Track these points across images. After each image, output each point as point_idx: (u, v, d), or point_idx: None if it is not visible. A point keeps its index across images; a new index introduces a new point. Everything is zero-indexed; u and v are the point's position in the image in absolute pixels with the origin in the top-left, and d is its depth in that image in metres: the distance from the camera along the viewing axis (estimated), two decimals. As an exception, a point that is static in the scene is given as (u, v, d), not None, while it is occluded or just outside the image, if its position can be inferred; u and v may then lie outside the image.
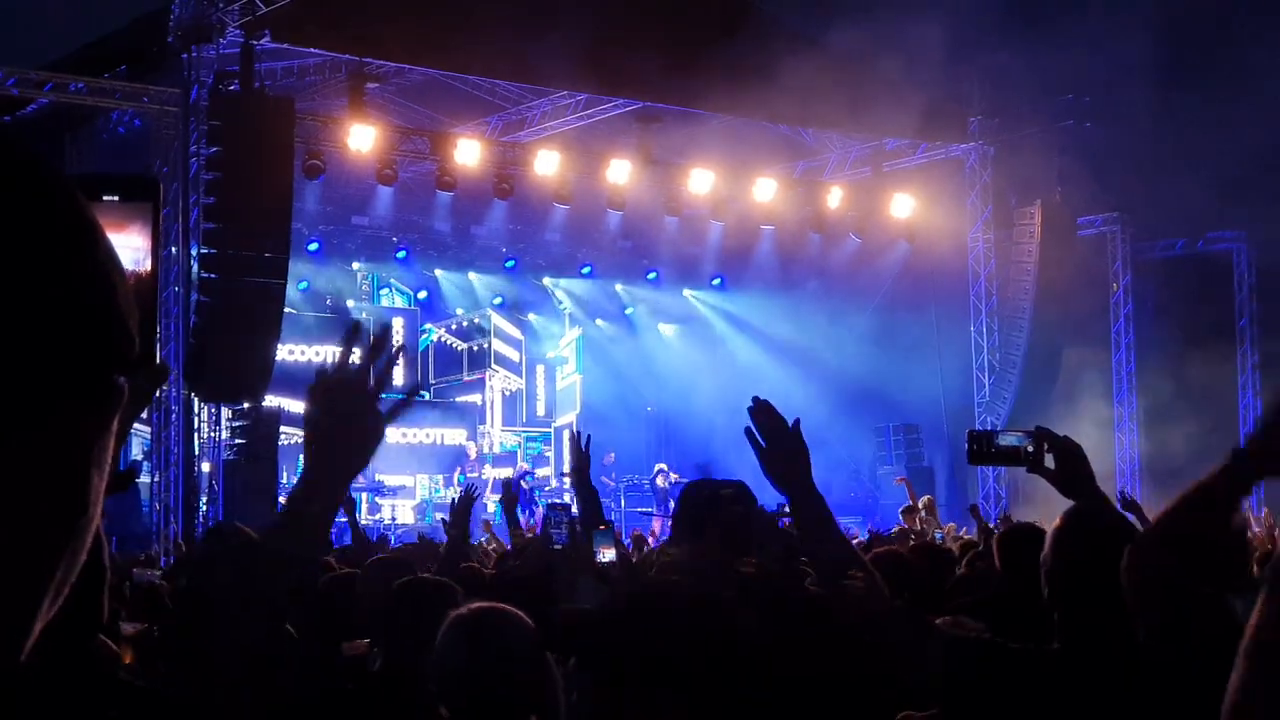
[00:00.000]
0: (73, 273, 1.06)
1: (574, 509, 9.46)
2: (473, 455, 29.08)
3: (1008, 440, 4.82)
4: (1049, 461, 4.46)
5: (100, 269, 1.09)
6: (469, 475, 27.61)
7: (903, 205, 26.91)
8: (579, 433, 6.79)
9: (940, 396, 27.01)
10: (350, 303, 30.40)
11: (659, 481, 27.69)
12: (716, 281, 31.21)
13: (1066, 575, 3.79)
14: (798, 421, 4.28)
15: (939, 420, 26.91)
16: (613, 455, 29.37)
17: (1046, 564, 3.89)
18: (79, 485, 1.07)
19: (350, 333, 2.87)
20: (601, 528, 7.34)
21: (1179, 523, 3.34)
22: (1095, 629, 3.70)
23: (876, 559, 7.34)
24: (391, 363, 2.84)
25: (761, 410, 4.26)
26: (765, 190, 26.04)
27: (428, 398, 30.93)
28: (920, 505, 17.15)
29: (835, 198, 26.77)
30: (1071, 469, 4.38)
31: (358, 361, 2.78)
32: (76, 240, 1.08)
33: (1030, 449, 4.61)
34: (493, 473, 29.02)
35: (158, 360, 1.89)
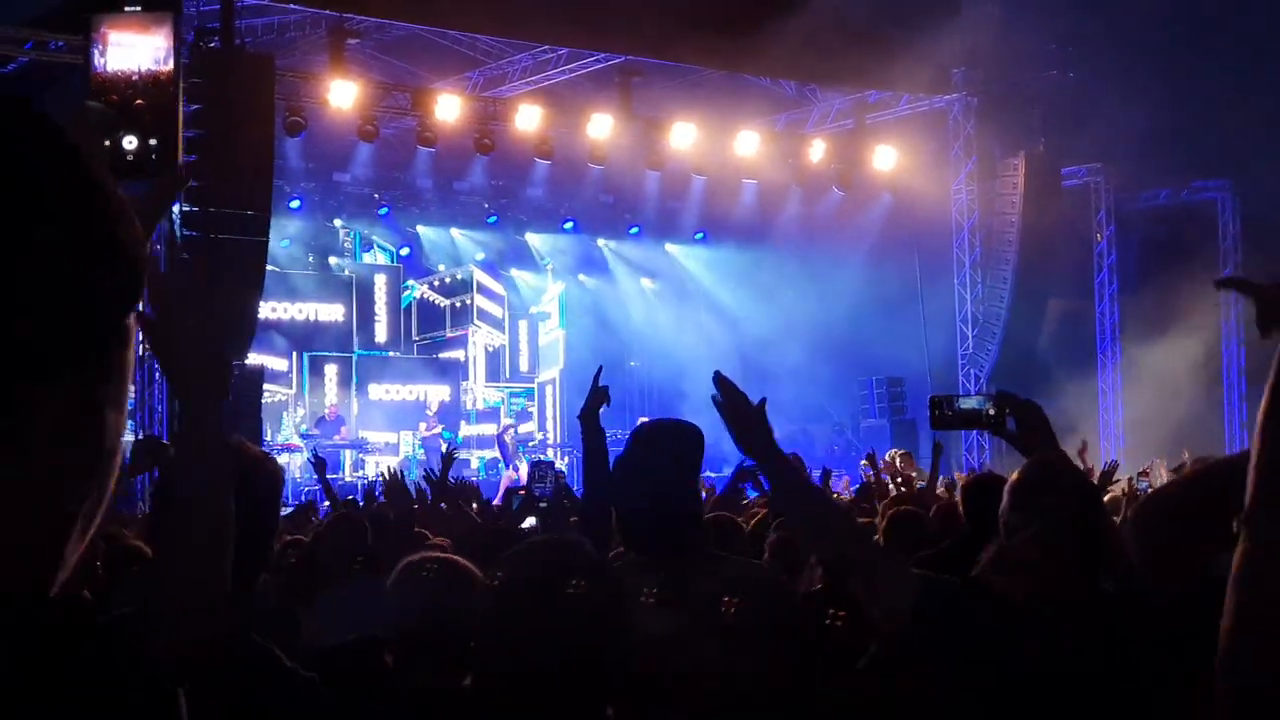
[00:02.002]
0: (76, 228, 1.09)
1: (557, 464, 9.49)
2: (433, 410, 28.99)
3: (969, 404, 4.87)
4: (1011, 425, 4.50)
5: (103, 220, 1.12)
6: (426, 434, 27.62)
7: (885, 158, 26.89)
8: (599, 371, 6.66)
9: (924, 349, 27.04)
10: (333, 259, 30.34)
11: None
12: (699, 236, 31.15)
13: (1023, 527, 3.86)
14: (763, 401, 4.21)
15: (923, 373, 26.96)
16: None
17: (1004, 515, 3.96)
18: (96, 429, 1.13)
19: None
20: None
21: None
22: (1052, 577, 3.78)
23: (895, 519, 7.35)
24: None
25: (720, 385, 4.25)
26: (747, 144, 25.98)
27: (393, 355, 30.96)
28: (895, 459, 17.23)
29: (818, 151, 26.74)
30: (1031, 431, 4.42)
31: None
32: (79, 197, 1.11)
33: (992, 412, 4.67)
34: (470, 429, 29.09)
35: (178, 167, 1.89)
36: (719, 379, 4.26)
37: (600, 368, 6.34)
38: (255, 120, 19.97)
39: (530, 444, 29.02)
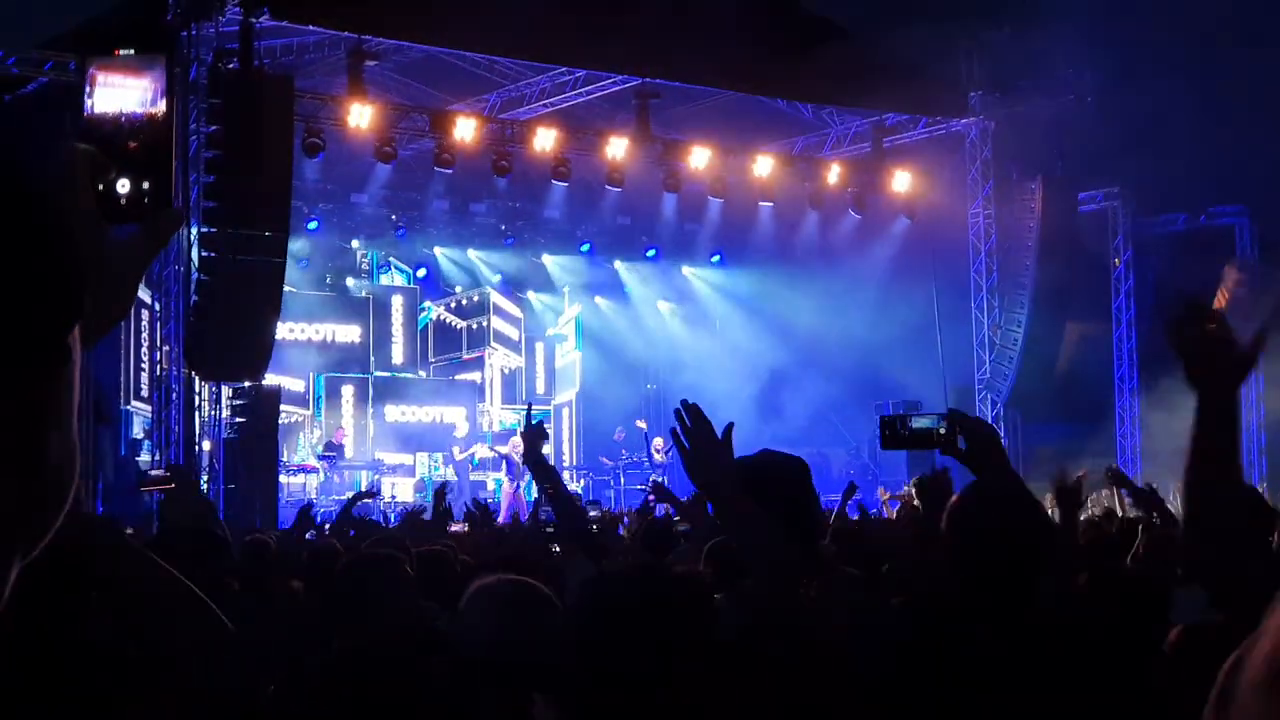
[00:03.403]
0: (21, 244, 1.09)
1: (571, 487, 9.53)
2: (461, 433, 29.11)
3: (921, 423, 4.83)
4: (962, 444, 4.48)
5: (52, 237, 1.13)
6: (460, 457, 27.72)
7: (902, 181, 26.89)
8: (529, 407, 6.79)
9: (941, 373, 26.96)
10: (350, 280, 30.39)
11: (656, 457, 27.71)
12: (715, 259, 31.15)
13: (963, 549, 3.90)
14: (730, 427, 4.19)
15: (940, 398, 26.87)
16: (622, 432, 29.40)
17: (945, 540, 3.99)
18: (33, 446, 1.11)
19: None
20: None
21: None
22: (997, 601, 3.81)
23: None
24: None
25: (689, 413, 4.17)
26: (764, 166, 26.00)
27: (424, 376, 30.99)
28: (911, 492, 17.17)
29: (834, 174, 26.72)
30: (982, 451, 4.39)
31: None
32: (28, 216, 1.12)
33: (943, 431, 4.62)
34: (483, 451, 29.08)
35: (173, 206, 1.88)
36: (687, 407, 4.19)
37: (529, 404, 6.62)
38: (274, 141, 20.02)
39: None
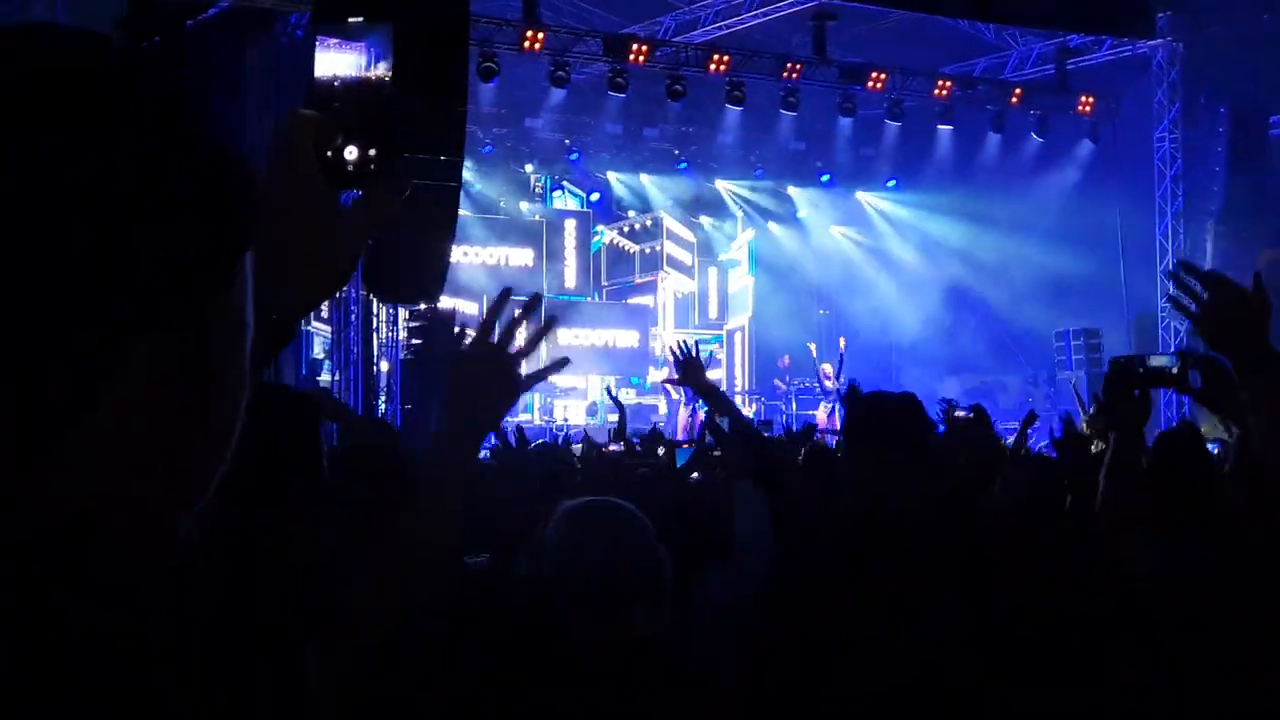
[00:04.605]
0: (177, 177, 1.09)
1: (746, 412, 9.50)
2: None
3: (1158, 362, 4.85)
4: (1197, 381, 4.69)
5: (205, 162, 1.12)
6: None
7: (1086, 105, 26.28)
8: (680, 343, 6.87)
9: (1123, 301, 26.39)
10: (523, 205, 30.53)
11: (827, 384, 27.53)
12: (892, 184, 30.78)
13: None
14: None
15: (1123, 325, 26.32)
16: (788, 358, 29.27)
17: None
18: (206, 376, 1.14)
19: (499, 300, 3.02)
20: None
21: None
22: None
23: None
24: (516, 323, 2.93)
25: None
26: (944, 89, 25.55)
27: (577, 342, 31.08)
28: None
29: (1016, 96, 26.20)
30: (1219, 390, 4.52)
31: (498, 328, 2.87)
32: (182, 146, 1.11)
33: (1175, 370, 4.70)
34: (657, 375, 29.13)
35: (396, 171, 1.89)
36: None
37: (682, 342, 6.83)
38: (449, 66, 20.08)
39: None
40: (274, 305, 1.73)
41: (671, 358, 6.84)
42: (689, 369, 6.46)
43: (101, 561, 1.08)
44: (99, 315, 1.05)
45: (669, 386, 26.09)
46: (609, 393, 17.47)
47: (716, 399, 6.40)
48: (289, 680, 1.23)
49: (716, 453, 9.55)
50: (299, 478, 3.30)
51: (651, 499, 5.16)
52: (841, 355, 27.19)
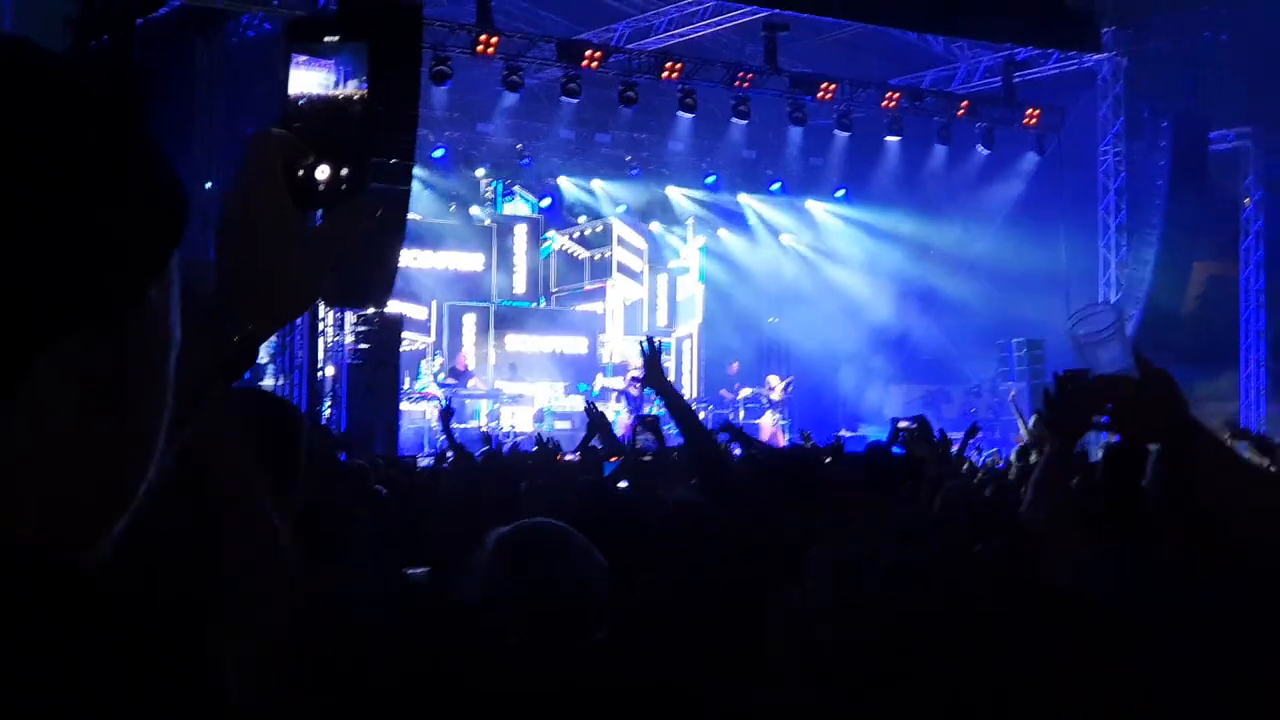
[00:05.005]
0: (103, 188, 1.06)
1: (651, 418, 9.51)
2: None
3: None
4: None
5: (131, 171, 1.10)
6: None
7: (1032, 117, 26.55)
8: (646, 339, 6.90)
9: (1067, 312, 26.65)
10: (474, 209, 30.51)
11: (773, 396, 27.71)
12: (841, 193, 30.96)
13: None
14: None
15: (1064, 337, 26.57)
16: (736, 365, 29.41)
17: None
18: (125, 388, 1.10)
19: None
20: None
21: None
22: None
23: None
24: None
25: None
26: (892, 101, 25.77)
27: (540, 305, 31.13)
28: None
29: (963, 109, 26.44)
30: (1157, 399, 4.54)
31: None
32: (115, 155, 1.08)
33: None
34: (604, 381, 29.18)
35: (365, 193, 1.88)
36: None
37: (648, 337, 7.12)
38: (401, 69, 20.10)
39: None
40: (237, 325, 1.74)
41: (641, 357, 6.95)
42: (651, 367, 6.51)
43: (10, 581, 1.04)
44: (5, 322, 1.03)
45: (635, 386, 26.14)
46: (588, 402, 17.46)
47: (674, 402, 6.41)
48: (207, 698, 1.16)
49: (647, 458, 9.50)
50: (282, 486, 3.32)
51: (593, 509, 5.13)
52: (789, 384, 27.56)
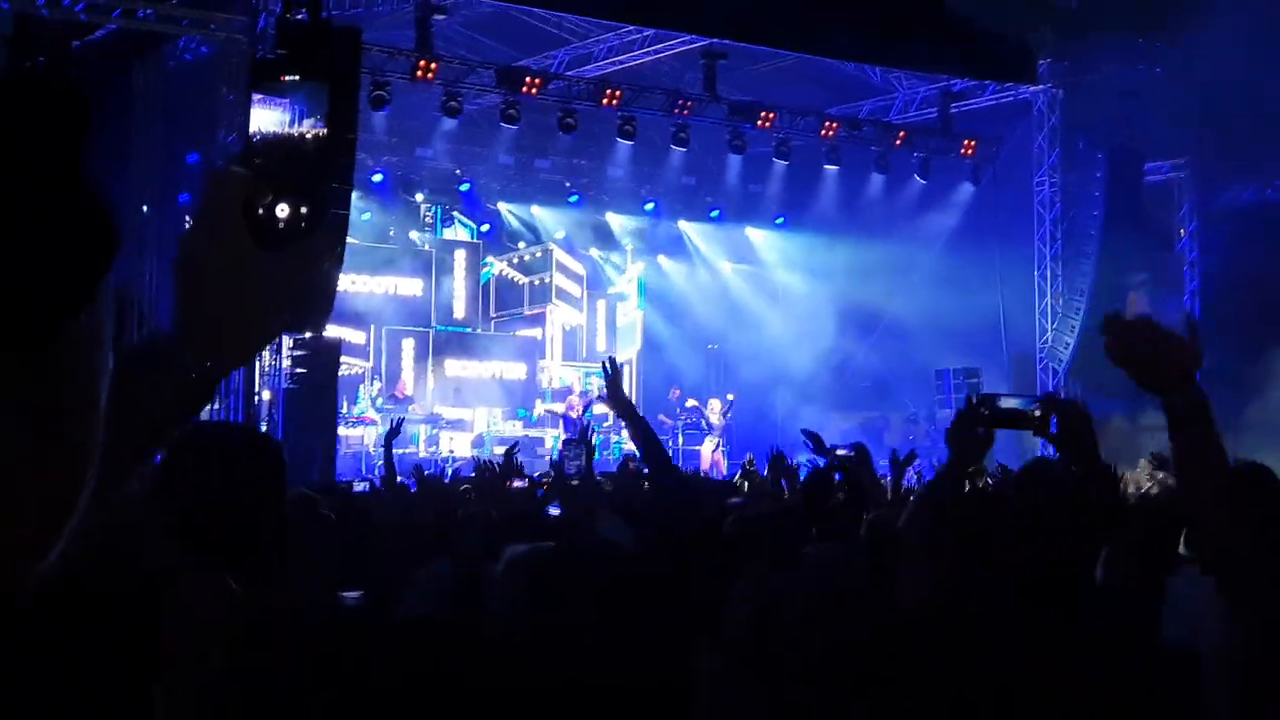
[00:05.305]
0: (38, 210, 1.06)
1: (588, 441, 9.47)
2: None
3: (1010, 403, 4.95)
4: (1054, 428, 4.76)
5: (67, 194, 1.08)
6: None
7: (968, 147, 26.77)
8: (608, 360, 6.96)
9: (1003, 341, 26.84)
10: (413, 234, 30.46)
11: (713, 419, 27.73)
12: (779, 221, 31.10)
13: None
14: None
15: (1001, 366, 26.76)
16: (678, 391, 29.44)
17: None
18: (48, 405, 1.09)
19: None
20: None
21: None
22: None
23: None
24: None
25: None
26: (830, 130, 25.92)
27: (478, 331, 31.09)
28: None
29: (900, 138, 26.63)
30: (1074, 434, 4.60)
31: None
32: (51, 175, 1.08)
33: (1037, 413, 4.79)
34: (544, 407, 29.19)
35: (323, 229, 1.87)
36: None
37: (609, 358, 7.09)
38: (340, 93, 20.06)
39: (605, 424, 29.01)
40: (197, 363, 1.73)
41: (602, 377, 7.07)
42: (612, 388, 6.52)
43: None
44: None
45: (576, 409, 26.23)
46: (582, 425, 17.28)
47: (635, 424, 6.43)
48: None
49: (574, 482, 9.49)
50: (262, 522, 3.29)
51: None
52: (730, 402, 27.63)
